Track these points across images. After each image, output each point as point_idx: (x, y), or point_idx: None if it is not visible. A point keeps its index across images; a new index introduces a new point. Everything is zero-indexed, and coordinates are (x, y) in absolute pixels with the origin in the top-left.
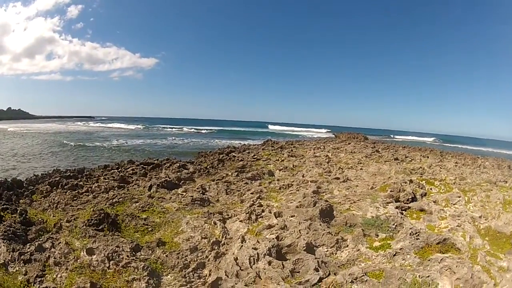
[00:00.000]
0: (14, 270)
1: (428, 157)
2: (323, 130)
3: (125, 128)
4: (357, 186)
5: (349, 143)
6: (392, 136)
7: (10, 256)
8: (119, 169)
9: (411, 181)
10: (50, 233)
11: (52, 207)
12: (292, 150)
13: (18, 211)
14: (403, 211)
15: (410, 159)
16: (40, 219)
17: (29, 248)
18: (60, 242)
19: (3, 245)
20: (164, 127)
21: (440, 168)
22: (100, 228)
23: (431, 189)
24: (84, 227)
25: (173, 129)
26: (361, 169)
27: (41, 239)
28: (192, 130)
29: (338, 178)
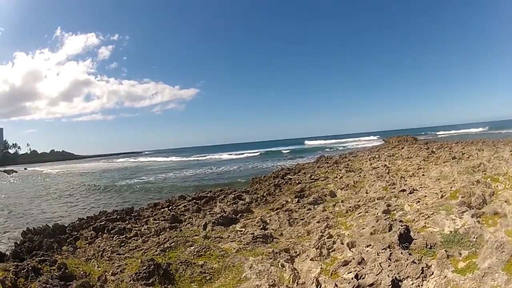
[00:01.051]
0: None
1: (483, 150)
2: (372, 138)
3: (172, 160)
4: (425, 196)
5: (402, 148)
6: (436, 133)
7: None
8: (170, 207)
9: (478, 181)
10: None
11: (97, 256)
12: (348, 164)
13: (56, 265)
14: (479, 218)
15: (467, 156)
16: (82, 272)
17: None
18: None
19: None
20: (211, 155)
21: (499, 160)
22: (150, 282)
23: (497, 186)
24: (132, 281)
25: (221, 156)
26: (423, 175)
27: None
28: (240, 155)
29: (404, 190)
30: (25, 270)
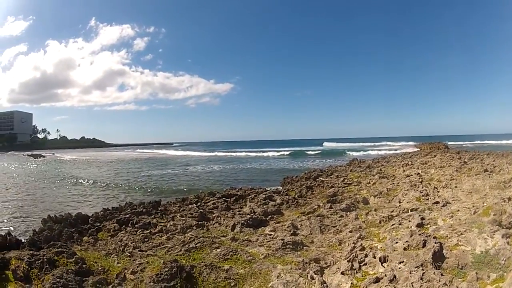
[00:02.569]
0: None
1: None
2: (408, 143)
3: (203, 154)
4: (458, 211)
5: (435, 156)
6: (465, 142)
7: None
8: (198, 204)
9: (509, 198)
10: (111, 286)
11: (118, 251)
12: (381, 170)
13: (74, 259)
14: (508, 239)
15: (498, 169)
16: (100, 268)
17: None
18: None
19: None
20: (241, 152)
21: None
22: (171, 284)
23: None
24: (152, 283)
25: (251, 153)
26: (455, 186)
27: None
28: (268, 152)
29: (437, 203)
30: (40, 261)
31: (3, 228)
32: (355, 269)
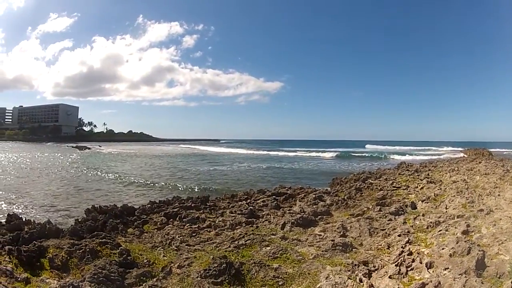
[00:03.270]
0: None
1: None
2: (454, 148)
3: (251, 152)
4: (500, 219)
5: (479, 162)
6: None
7: None
8: (248, 201)
9: None
10: (155, 279)
11: (164, 244)
12: (429, 175)
13: (118, 250)
14: None
15: None
16: (146, 260)
17: None
18: None
19: None
20: (290, 150)
21: None
22: (219, 280)
23: None
24: (199, 278)
25: (299, 152)
26: (498, 195)
27: (141, 287)
28: (318, 153)
29: (482, 210)
30: (81, 251)
31: (43, 217)
32: (402, 273)
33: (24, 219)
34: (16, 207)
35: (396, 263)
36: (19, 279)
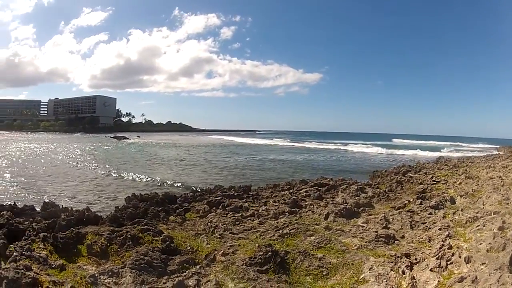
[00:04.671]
0: None
1: None
2: (490, 145)
3: (289, 143)
4: None
5: None
6: None
7: None
8: (291, 191)
9: None
10: (199, 267)
11: (207, 232)
12: (466, 170)
13: (161, 237)
14: None
15: None
16: (189, 247)
17: (165, 283)
18: (209, 281)
19: (130, 275)
20: (330, 142)
21: None
22: (264, 269)
23: None
24: (244, 266)
25: (337, 145)
26: None
27: (184, 274)
28: (353, 146)
29: None
30: (122, 237)
31: (81, 204)
32: (442, 267)
33: (61, 207)
34: (54, 195)
35: (436, 256)
36: (53, 266)
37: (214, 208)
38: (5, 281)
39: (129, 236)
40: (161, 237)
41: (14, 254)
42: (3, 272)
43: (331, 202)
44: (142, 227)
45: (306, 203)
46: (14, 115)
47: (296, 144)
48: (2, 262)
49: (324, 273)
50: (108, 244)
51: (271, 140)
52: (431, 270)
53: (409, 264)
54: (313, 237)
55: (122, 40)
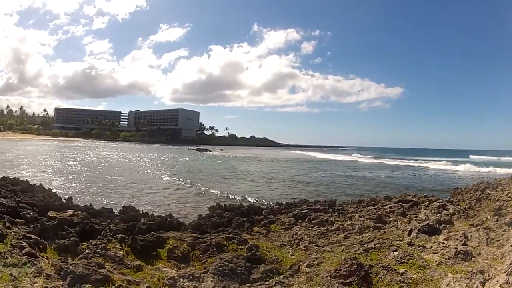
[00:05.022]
0: None
1: None
2: None
3: (370, 160)
4: None
5: None
6: None
7: None
8: (375, 206)
9: None
10: (282, 276)
11: (293, 244)
12: None
13: (247, 246)
14: None
15: None
16: (274, 257)
17: None
18: None
19: (211, 281)
20: (411, 158)
21: None
22: (347, 281)
23: None
24: (329, 278)
25: (417, 161)
26: None
27: (268, 282)
28: (438, 161)
29: None
30: (206, 244)
31: (163, 211)
32: (510, 283)
33: (141, 211)
34: (132, 201)
35: (506, 272)
36: (129, 266)
37: (300, 221)
38: (71, 275)
39: (214, 243)
40: (246, 246)
41: (86, 251)
42: (70, 267)
43: (414, 218)
44: (227, 235)
45: (390, 219)
46: (92, 124)
47: (378, 161)
48: (70, 258)
49: None
50: (191, 250)
51: (353, 156)
52: (500, 286)
53: (482, 281)
54: (396, 253)
55: (203, 56)
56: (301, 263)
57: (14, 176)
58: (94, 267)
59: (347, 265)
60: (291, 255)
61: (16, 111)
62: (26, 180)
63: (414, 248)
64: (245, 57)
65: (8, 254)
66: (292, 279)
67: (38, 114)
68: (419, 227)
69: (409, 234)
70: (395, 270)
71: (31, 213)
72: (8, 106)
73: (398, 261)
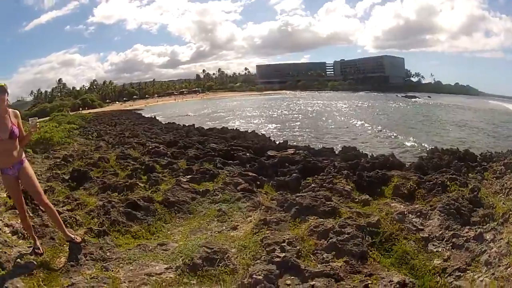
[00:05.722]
0: (435, 250)
1: None
2: None
3: None
4: None
5: None
6: None
7: (439, 232)
8: None
9: None
10: (496, 223)
11: (504, 193)
12: None
13: (469, 187)
14: None
15: None
16: (490, 203)
17: (467, 232)
18: (502, 239)
19: (438, 219)
20: None
21: None
22: None
23: None
24: None
25: None
26: None
27: (485, 227)
28: None
29: None
30: (431, 183)
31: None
32: None
33: (361, 151)
34: (348, 142)
35: None
36: (357, 200)
37: (509, 170)
38: (296, 207)
39: (439, 182)
40: (470, 187)
41: (312, 185)
42: (297, 199)
43: None
44: (450, 175)
45: None
46: (297, 76)
47: None
48: (289, 194)
49: None
50: (416, 188)
51: None
52: None
53: None
54: None
55: (395, 0)
56: (511, 213)
57: (222, 126)
58: (322, 199)
59: None
60: (503, 203)
61: (214, 73)
62: (236, 128)
63: None
64: None
65: (218, 191)
66: (502, 227)
67: (239, 73)
68: None
69: None
70: None
71: (247, 154)
72: (204, 71)
73: None
